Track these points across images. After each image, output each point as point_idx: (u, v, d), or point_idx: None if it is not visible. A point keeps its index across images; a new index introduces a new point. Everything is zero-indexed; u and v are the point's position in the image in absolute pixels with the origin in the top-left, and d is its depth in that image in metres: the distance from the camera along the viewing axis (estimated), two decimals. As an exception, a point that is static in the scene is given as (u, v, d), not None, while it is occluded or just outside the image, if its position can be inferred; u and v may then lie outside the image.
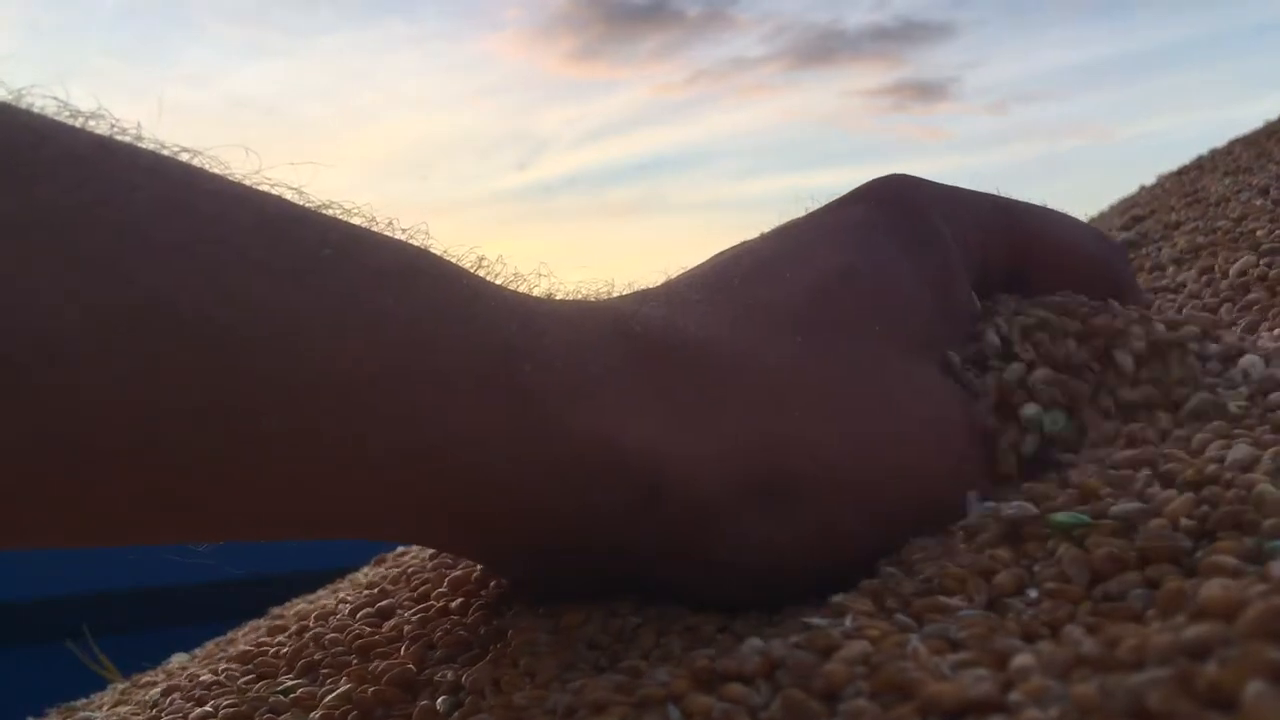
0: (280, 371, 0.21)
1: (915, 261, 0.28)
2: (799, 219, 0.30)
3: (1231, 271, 0.42)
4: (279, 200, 0.23)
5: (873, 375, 0.27)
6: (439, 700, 0.24)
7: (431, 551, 0.34)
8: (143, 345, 0.19)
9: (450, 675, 0.25)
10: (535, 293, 0.27)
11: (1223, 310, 0.39)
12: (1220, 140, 0.71)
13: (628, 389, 0.24)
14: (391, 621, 0.30)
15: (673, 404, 0.25)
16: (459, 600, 0.29)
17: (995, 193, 0.31)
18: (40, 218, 0.19)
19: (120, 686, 0.37)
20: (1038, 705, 0.16)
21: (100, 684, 0.43)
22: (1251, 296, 0.39)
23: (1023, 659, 0.18)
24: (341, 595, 0.35)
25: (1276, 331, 0.36)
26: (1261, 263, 0.42)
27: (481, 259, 0.26)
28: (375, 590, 0.33)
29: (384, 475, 0.22)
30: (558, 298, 0.27)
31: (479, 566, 0.30)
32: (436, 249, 0.25)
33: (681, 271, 0.30)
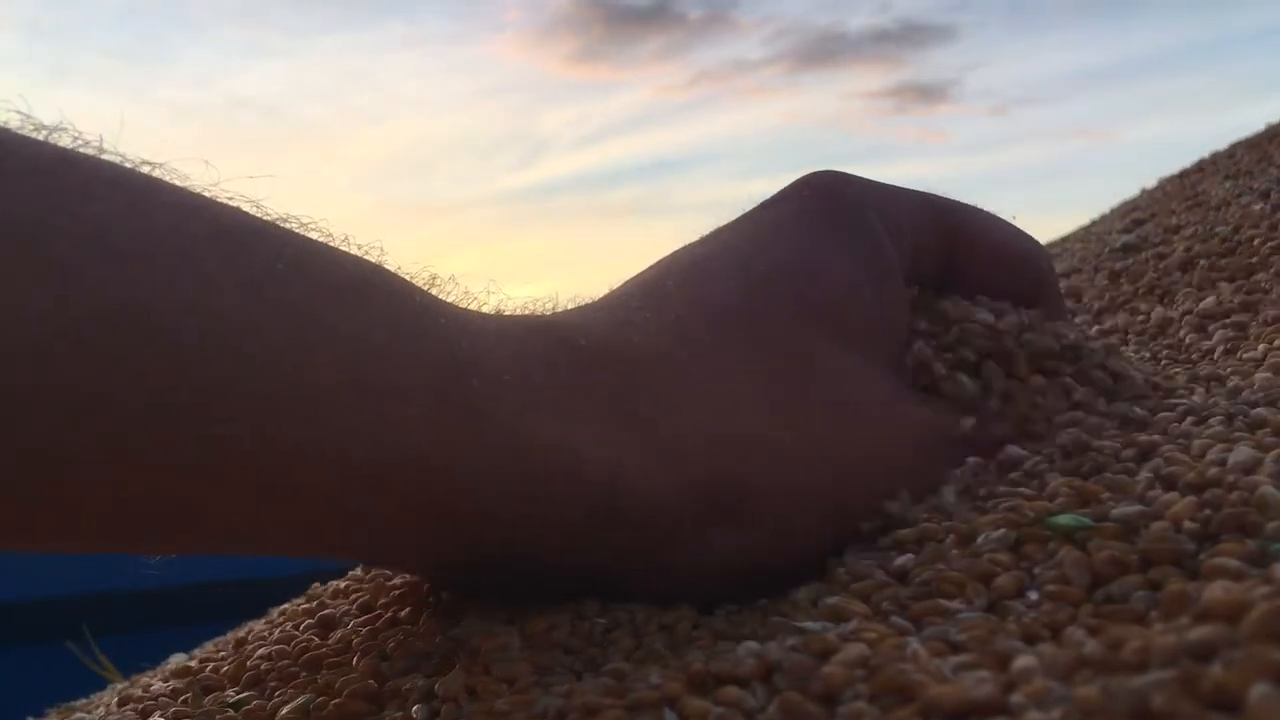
0: (239, 381, 0.21)
1: (853, 257, 0.28)
2: (735, 220, 0.30)
3: (1199, 308, 0.41)
4: (236, 212, 0.23)
5: (819, 373, 0.27)
6: (414, 709, 0.23)
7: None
8: (113, 351, 0.20)
9: (421, 684, 0.24)
10: (484, 309, 0.27)
11: (1189, 339, 0.39)
12: (1222, 143, 0.70)
13: (576, 400, 0.25)
14: (338, 633, 0.29)
15: (621, 412, 0.25)
16: (407, 610, 0.28)
17: (927, 190, 0.32)
18: (6, 227, 0.19)
19: (119, 686, 0.36)
20: (1040, 707, 0.16)
21: (100, 684, 0.43)
22: (1229, 320, 0.39)
23: (1025, 660, 0.18)
24: (281, 609, 0.34)
25: (1261, 347, 0.36)
26: (1240, 293, 0.42)
27: (434, 277, 0.26)
28: (313, 603, 0.32)
29: (342, 486, 0.22)
30: (506, 313, 0.27)
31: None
32: (390, 265, 0.25)
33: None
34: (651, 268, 0.29)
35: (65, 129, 0.22)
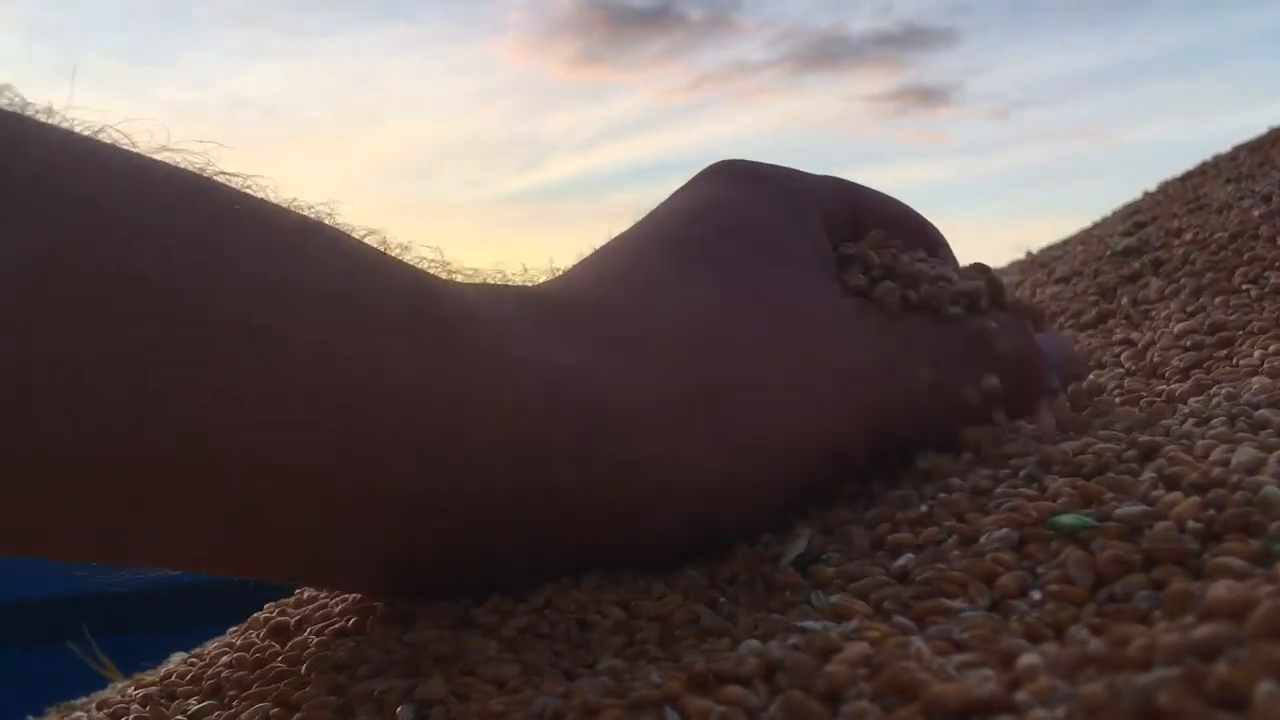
0: (196, 321, 0.20)
1: (780, 212, 0.30)
2: (663, 202, 0.31)
3: (1177, 329, 0.41)
4: (186, 170, 0.23)
5: (773, 295, 0.28)
6: (399, 710, 0.22)
7: None
8: (63, 295, 0.19)
9: (394, 687, 0.23)
10: None
11: (1165, 355, 0.39)
12: (1224, 145, 0.70)
13: (551, 331, 0.25)
14: (293, 641, 0.28)
15: (600, 338, 0.25)
16: (354, 619, 0.28)
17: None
18: None
19: (119, 685, 0.36)
20: (1045, 705, 0.16)
21: (100, 684, 0.43)
22: (1215, 335, 0.39)
23: (1029, 659, 0.18)
24: (252, 616, 0.33)
25: (1258, 353, 0.35)
26: (1228, 309, 0.42)
27: (384, 240, 0.26)
28: (274, 611, 0.32)
29: (326, 462, 0.22)
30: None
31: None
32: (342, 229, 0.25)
33: None
34: (597, 251, 0.30)
35: (9, 89, 0.22)
